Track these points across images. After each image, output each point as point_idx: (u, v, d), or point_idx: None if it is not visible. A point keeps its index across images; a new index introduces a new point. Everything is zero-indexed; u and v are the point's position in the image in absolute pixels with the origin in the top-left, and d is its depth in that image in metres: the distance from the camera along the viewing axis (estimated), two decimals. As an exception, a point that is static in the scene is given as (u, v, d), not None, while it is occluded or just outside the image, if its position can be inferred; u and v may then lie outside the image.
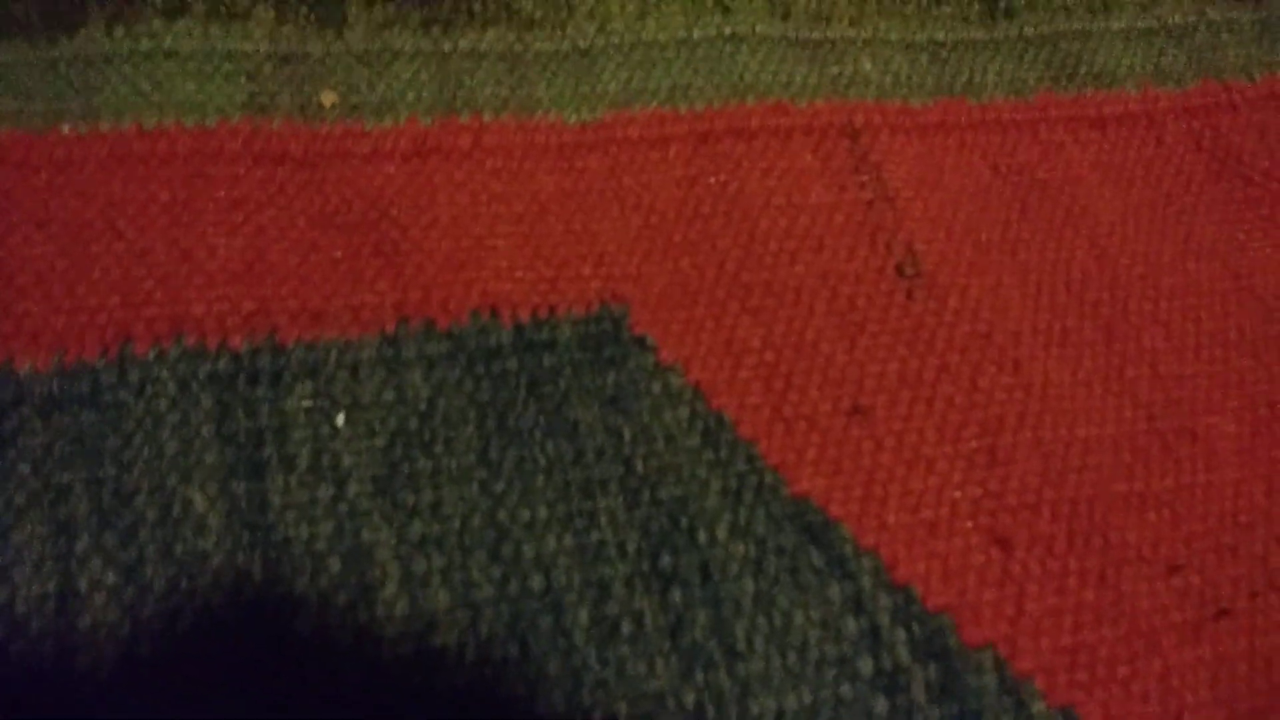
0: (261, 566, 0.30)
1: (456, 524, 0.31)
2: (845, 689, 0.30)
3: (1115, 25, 0.48)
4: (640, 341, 0.35)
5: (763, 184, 0.39)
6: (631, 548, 0.32)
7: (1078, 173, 0.42)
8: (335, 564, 0.30)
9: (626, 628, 0.30)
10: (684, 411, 0.34)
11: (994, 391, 0.36)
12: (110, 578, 0.29)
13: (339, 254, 0.35)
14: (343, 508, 0.31)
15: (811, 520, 0.33)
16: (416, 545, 0.31)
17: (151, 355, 0.32)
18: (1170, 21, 0.48)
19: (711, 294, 0.36)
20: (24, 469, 0.31)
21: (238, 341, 0.33)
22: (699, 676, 0.30)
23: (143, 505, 0.30)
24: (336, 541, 0.31)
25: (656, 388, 0.35)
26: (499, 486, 0.32)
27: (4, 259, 0.34)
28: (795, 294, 0.36)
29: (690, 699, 0.30)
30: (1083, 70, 0.46)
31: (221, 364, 0.33)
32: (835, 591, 0.32)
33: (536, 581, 0.31)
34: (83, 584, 0.29)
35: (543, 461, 0.33)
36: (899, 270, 0.38)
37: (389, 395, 0.33)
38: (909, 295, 0.37)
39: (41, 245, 0.34)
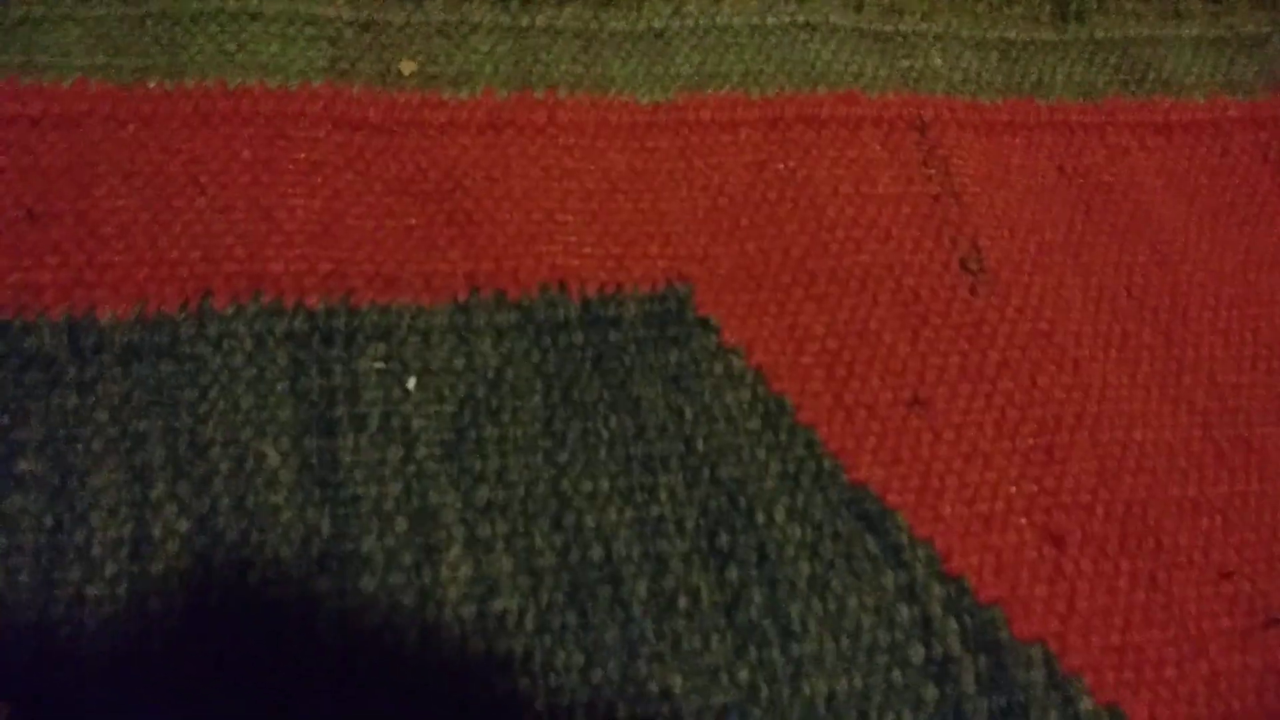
0: (330, 523, 0.31)
1: (521, 492, 0.32)
2: (896, 675, 0.31)
3: (1186, 33, 0.48)
4: (704, 322, 0.36)
5: (831, 172, 0.39)
6: (690, 525, 0.32)
7: (1143, 178, 0.42)
8: (402, 524, 0.31)
9: (683, 602, 0.31)
10: (745, 393, 0.35)
11: (1053, 390, 0.36)
12: (183, 525, 0.30)
13: (413, 221, 0.36)
14: (411, 469, 0.32)
15: (868, 508, 0.33)
16: (482, 510, 0.31)
17: (230, 310, 0.33)
18: (1242, 31, 0.48)
19: (776, 278, 0.37)
20: (102, 415, 0.31)
21: (314, 301, 0.34)
22: (753, 654, 0.31)
23: (217, 457, 0.31)
24: (404, 502, 0.31)
25: (718, 368, 0.35)
26: (563, 457, 0.33)
27: (89, 209, 0.34)
28: (860, 283, 0.37)
29: (744, 676, 0.30)
30: (1151, 76, 0.46)
31: (297, 322, 0.34)
32: (889, 579, 0.32)
33: (596, 552, 0.31)
34: (156, 530, 0.30)
35: (605, 435, 0.33)
36: (963, 265, 0.38)
37: (459, 362, 0.34)
38: (972, 290, 0.38)
39: (126, 197, 0.35)
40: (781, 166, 0.39)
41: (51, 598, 0.29)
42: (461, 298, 0.35)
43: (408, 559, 0.30)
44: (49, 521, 0.30)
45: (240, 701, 0.28)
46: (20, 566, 0.29)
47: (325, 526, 0.30)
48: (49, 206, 0.34)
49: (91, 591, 0.29)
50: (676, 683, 0.30)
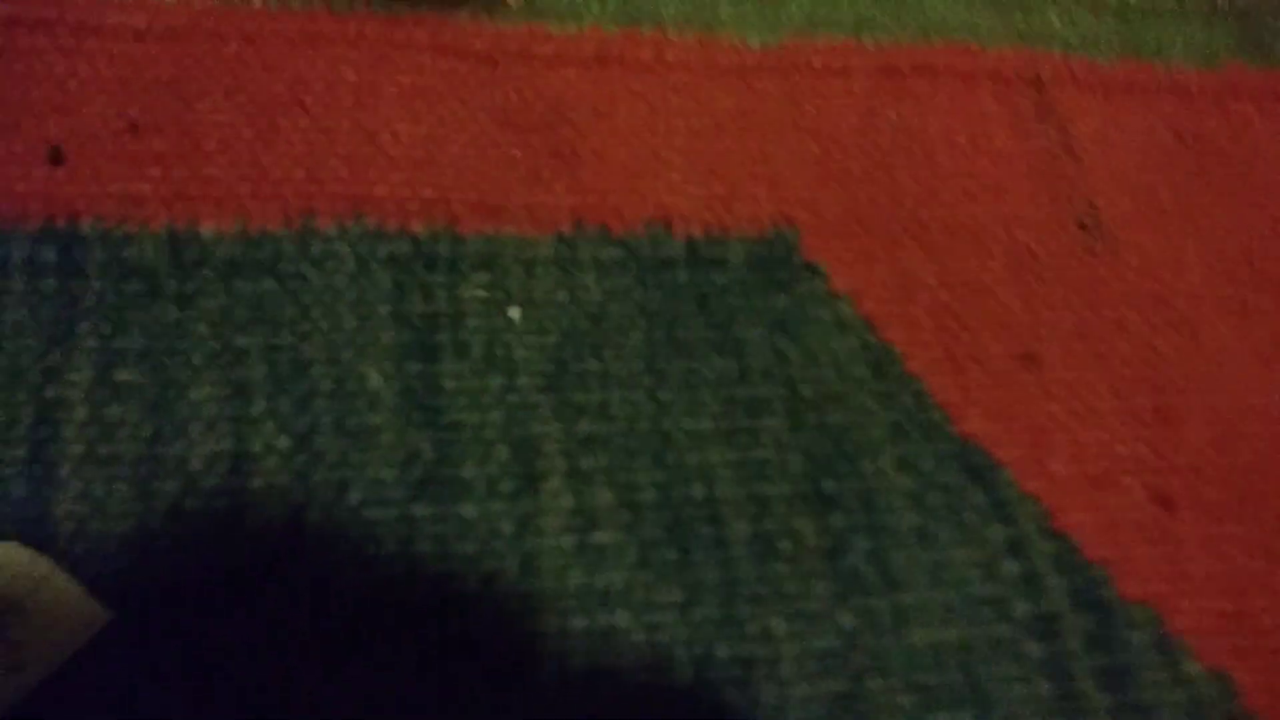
0: (431, 447, 0.30)
1: (622, 426, 0.31)
2: (1000, 629, 0.30)
3: (1307, 3, 0.46)
4: (811, 267, 0.35)
5: (945, 123, 0.38)
6: (794, 469, 0.31)
7: (1263, 146, 0.41)
8: (503, 452, 0.30)
9: (785, 546, 0.30)
10: (853, 341, 0.34)
11: (1168, 352, 0.35)
12: (283, 443, 0.30)
13: (517, 153, 0.35)
14: (513, 398, 0.31)
15: (976, 461, 0.32)
16: (583, 443, 0.31)
17: (333, 231, 0.33)
18: (1365, 4, 0.47)
19: (886, 227, 0.36)
20: (202, 329, 0.31)
21: (417, 226, 0.33)
22: (856, 601, 0.30)
23: (318, 376, 0.31)
24: (506, 431, 0.31)
25: (825, 314, 0.34)
26: (665, 395, 0.32)
27: (192, 124, 0.34)
28: (973, 236, 0.36)
29: (847, 621, 0.29)
30: (1273, 46, 0.45)
31: (401, 246, 0.33)
32: (996, 533, 0.31)
33: (698, 490, 0.31)
34: (256, 446, 0.29)
35: (708, 375, 0.33)
36: (1079, 224, 0.37)
37: (562, 295, 0.33)
38: (1088, 249, 0.37)
39: (228, 114, 0.34)
40: (894, 115, 0.38)
41: (149, 509, 0.29)
42: (565, 231, 0.34)
43: (508, 487, 0.30)
44: (147, 432, 0.29)
45: (334, 622, 0.28)
46: (118, 476, 0.29)
47: (426, 451, 0.30)
48: (152, 119, 0.34)
49: (190, 504, 0.29)
50: (777, 625, 0.29)
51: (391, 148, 0.34)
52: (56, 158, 0.33)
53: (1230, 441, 0.33)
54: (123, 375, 0.30)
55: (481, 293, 0.32)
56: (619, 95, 0.37)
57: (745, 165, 0.36)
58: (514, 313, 0.32)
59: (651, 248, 0.34)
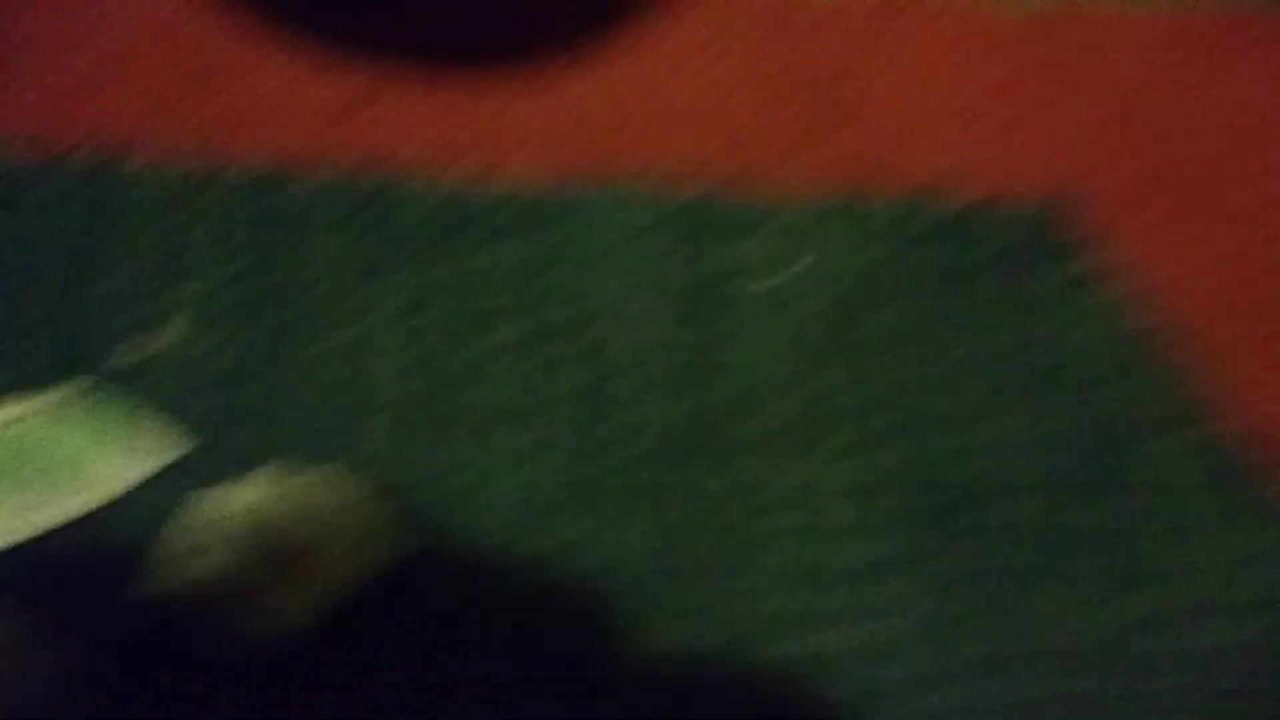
0: (720, 398, 0.31)
1: (911, 387, 0.31)
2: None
3: None
4: (1089, 238, 0.34)
5: (1251, 96, 0.37)
6: (1080, 443, 0.30)
7: None
8: (791, 405, 0.31)
9: (1072, 523, 0.30)
10: (1133, 318, 0.33)
11: None
12: (587, 376, 0.30)
13: (795, 109, 0.35)
14: (799, 352, 0.31)
15: (1256, 457, 0.31)
16: (870, 401, 0.30)
17: (618, 182, 0.34)
18: None
19: (1179, 200, 0.34)
20: (503, 273, 0.32)
21: (704, 179, 0.34)
22: (1125, 595, 0.29)
23: (607, 324, 0.31)
24: (793, 384, 0.31)
25: (1105, 290, 0.33)
26: (957, 353, 0.32)
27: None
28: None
29: (1105, 617, 0.29)
30: None
31: (686, 198, 0.33)
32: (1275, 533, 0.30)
33: (990, 463, 0.30)
34: (562, 387, 0.30)
35: (991, 345, 0.32)
36: None
37: (845, 252, 0.33)
38: None
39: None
40: (1192, 78, 0.37)
41: (454, 444, 0.30)
42: (840, 190, 0.34)
43: (791, 442, 0.30)
44: (456, 367, 0.30)
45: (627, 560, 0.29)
46: (428, 410, 0.30)
47: (713, 399, 0.30)
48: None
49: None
50: (1043, 606, 0.29)
51: (677, 105, 0.35)
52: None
53: None
54: (428, 313, 0.31)
55: (763, 248, 0.33)
56: (896, 56, 0.36)
57: (1024, 131, 0.35)
58: (797, 267, 0.32)
59: (928, 210, 0.34)
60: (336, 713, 0.25)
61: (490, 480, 0.29)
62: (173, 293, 0.30)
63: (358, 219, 0.32)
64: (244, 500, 0.26)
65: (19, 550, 0.21)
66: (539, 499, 0.29)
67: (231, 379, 0.29)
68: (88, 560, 0.25)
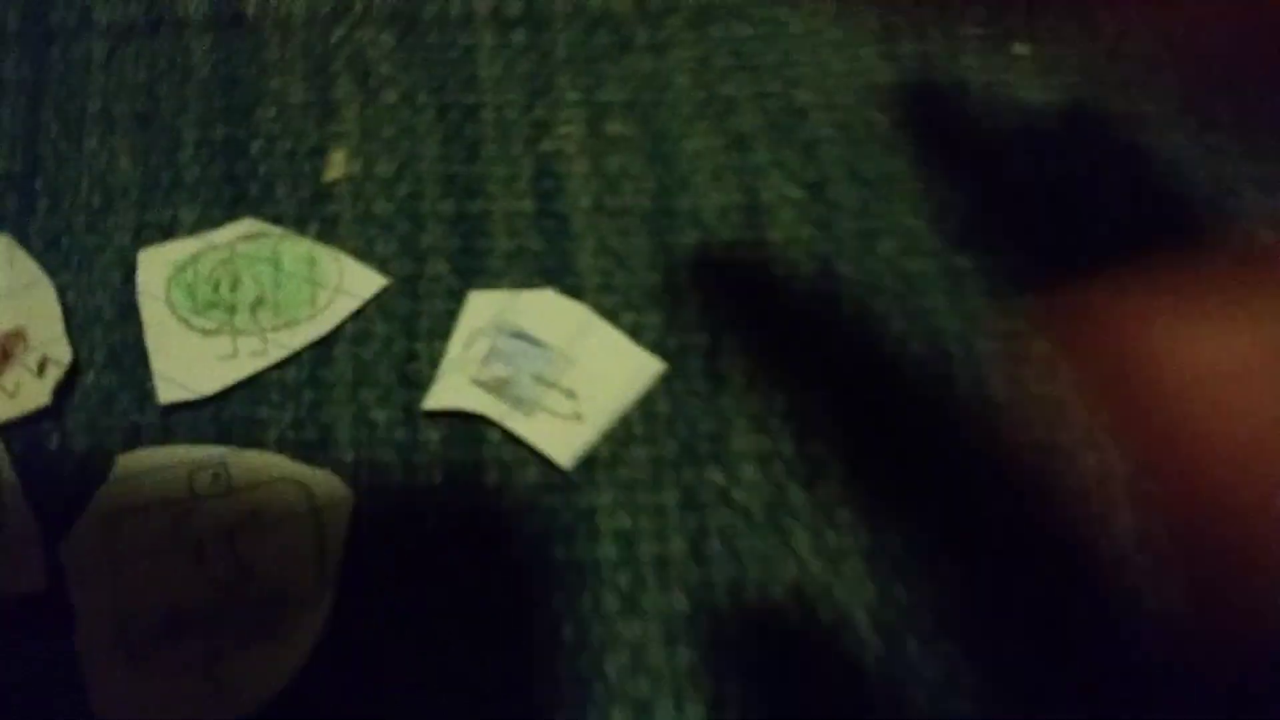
0: (963, 194, 0.27)
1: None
2: None
3: None
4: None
5: None
6: None
7: None
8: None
9: None
10: None
11: None
12: (795, 192, 0.27)
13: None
14: (1022, 138, 0.27)
15: None
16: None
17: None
18: None
19: None
20: (683, 80, 0.28)
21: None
22: None
23: (818, 122, 0.28)
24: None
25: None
26: (1211, 137, 0.27)
27: None
28: None
29: None
30: None
31: None
32: None
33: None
34: (766, 196, 0.27)
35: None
36: None
37: (1071, 29, 0.29)
38: None
39: None
40: None
41: (671, 261, 0.26)
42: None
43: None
44: (650, 185, 0.27)
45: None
46: (631, 230, 0.26)
47: (958, 198, 0.27)
48: None
49: (711, 255, 0.26)
50: None
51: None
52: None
53: None
54: (613, 128, 0.27)
55: (979, 30, 0.29)
56: None
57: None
58: (1020, 49, 0.28)
59: None
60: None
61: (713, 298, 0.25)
62: (322, 130, 0.27)
63: (512, 32, 0.28)
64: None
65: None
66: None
67: (408, 211, 0.25)
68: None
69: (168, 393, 0.22)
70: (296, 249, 0.24)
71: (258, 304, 0.23)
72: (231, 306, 0.23)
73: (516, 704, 0.21)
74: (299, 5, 0.28)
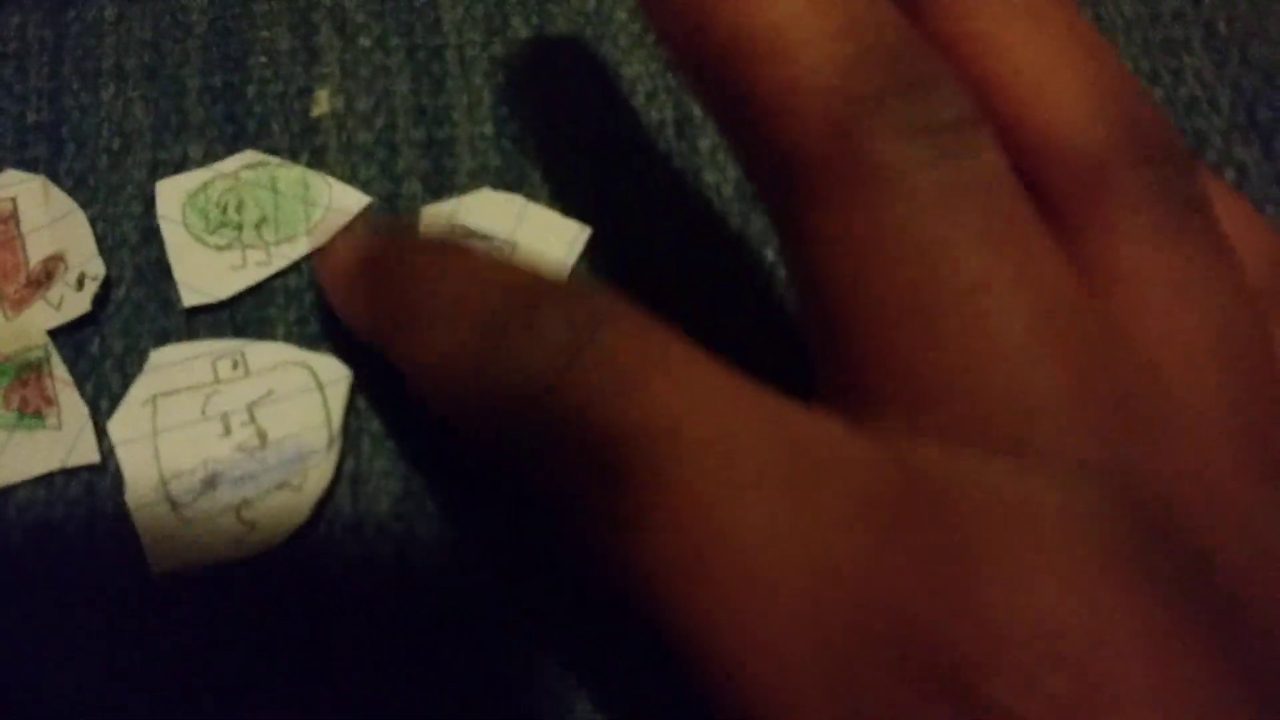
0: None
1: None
2: None
3: None
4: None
5: None
6: (1224, 102, 0.31)
7: None
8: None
9: (1230, 175, 0.30)
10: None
11: None
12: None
13: None
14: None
15: None
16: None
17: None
18: None
19: None
20: (621, 15, 0.32)
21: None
22: (1313, 222, 0.29)
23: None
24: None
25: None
26: (1080, 43, 0.32)
27: None
28: None
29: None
30: None
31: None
32: None
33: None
34: (696, 111, 0.30)
35: (1119, 22, 0.32)
36: None
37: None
38: None
39: None
40: None
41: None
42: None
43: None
44: (593, 108, 0.31)
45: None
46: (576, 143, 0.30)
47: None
48: None
49: (639, 163, 0.30)
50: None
51: None
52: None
53: None
54: (561, 60, 0.31)
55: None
56: None
57: None
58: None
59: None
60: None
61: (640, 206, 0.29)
62: (308, 73, 0.30)
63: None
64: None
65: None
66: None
67: (385, 140, 0.29)
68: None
69: (189, 298, 0.26)
70: (291, 174, 0.28)
71: (261, 222, 0.27)
72: (239, 225, 0.27)
73: (519, 535, 0.25)
74: (282, -36, 0.32)
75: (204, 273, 0.27)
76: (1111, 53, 0.19)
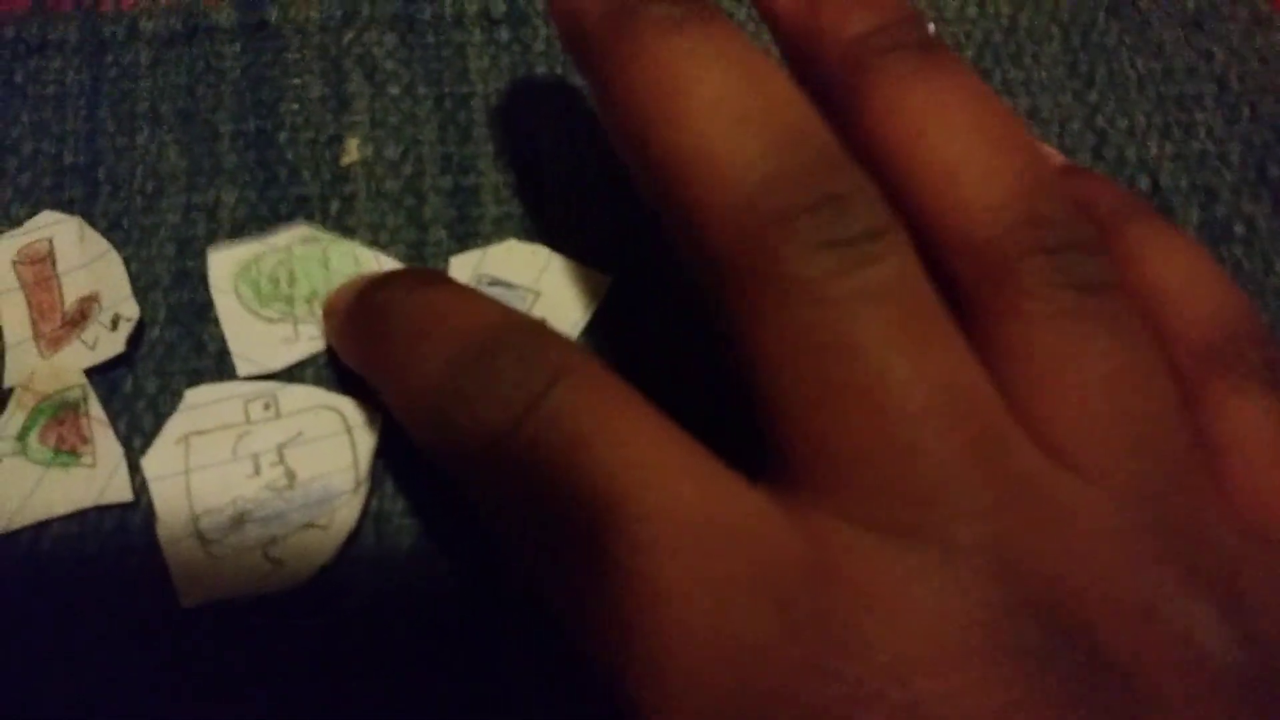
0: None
1: (1055, 129, 0.32)
2: None
3: None
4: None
5: None
6: (1235, 158, 0.31)
7: None
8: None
9: (1239, 229, 0.30)
10: (1277, 36, 0.33)
11: None
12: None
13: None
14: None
15: None
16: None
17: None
18: None
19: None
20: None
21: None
22: (1317, 278, 0.30)
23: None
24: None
25: (1243, 11, 0.33)
26: (1092, 97, 0.32)
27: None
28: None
29: (1310, 296, 0.30)
30: None
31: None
32: None
33: (1144, 183, 0.31)
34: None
35: (1133, 76, 0.32)
36: None
37: (971, 10, 0.33)
38: None
39: None
40: None
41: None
42: (969, -52, 0.34)
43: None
44: (610, 153, 0.31)
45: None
46: (593, 189, 0.31)
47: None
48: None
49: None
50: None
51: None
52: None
53: None
54: (582, 107, 0.32)
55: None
56: None
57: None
58: (930, 28, 0.33)
59: (1057, -43, 0.34)
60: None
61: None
62: (339, 121, 0.31)
63: (499, 33, 0.33)
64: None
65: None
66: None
67: (413, 188, 0.30)
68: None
69: (244, 369, 0.27)
70: (341, 249, 0.29)
71: (312, 296, 0.28)
72: (290, 299, 0.28)
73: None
74: (314, 11, 0.32)
75: (257, 344, 0.27)
76: (1027, 145, 0.20)
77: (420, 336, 0.22)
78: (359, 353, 0.24)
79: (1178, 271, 0.22)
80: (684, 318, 0.28)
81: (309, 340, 0.28)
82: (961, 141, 0.20)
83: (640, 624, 0.17)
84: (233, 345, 0.28)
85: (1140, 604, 0.17)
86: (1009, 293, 0.19)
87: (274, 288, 0.28)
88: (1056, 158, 0.28)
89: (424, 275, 0.24)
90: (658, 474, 0.18)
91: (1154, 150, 0.31)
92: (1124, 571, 0.17)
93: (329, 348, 0.28)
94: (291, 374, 0.28)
